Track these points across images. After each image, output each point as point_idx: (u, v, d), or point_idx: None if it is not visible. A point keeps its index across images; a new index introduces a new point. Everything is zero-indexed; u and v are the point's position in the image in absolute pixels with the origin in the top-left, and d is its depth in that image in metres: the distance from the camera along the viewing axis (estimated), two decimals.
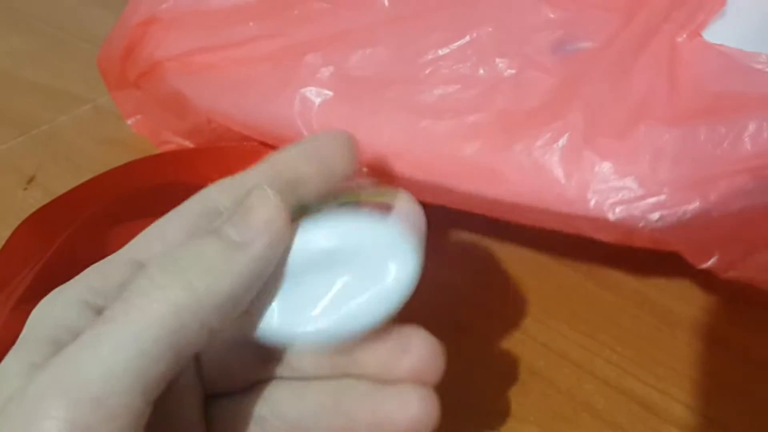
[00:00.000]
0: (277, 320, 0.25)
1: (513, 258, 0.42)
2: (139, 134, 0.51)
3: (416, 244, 0.25)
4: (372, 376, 0.26)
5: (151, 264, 0.23)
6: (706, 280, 0.40)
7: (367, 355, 0.26)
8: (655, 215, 0.32)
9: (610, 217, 0.33)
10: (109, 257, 0.26)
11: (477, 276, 0.41)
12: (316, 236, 0.25)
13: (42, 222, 0.38)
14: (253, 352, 0.27)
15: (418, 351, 0.26)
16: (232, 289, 0.23)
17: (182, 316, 0.22)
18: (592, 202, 0.33)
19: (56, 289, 0.25)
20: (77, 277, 0.25)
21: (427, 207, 0.30)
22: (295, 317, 0.25)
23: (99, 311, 0.23)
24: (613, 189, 0.33)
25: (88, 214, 0.38)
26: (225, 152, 0.45)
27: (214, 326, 0.23)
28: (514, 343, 0.38)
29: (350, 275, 0.25)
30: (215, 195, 0.27)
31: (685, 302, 0.40)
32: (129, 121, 0.51)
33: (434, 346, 0.26)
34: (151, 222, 0.27)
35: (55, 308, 0.24)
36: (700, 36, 0.35)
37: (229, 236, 0.23)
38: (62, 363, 0.21)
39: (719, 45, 0.35)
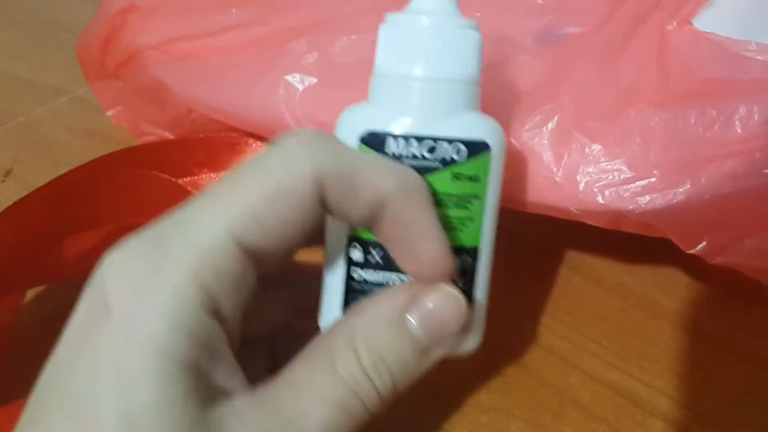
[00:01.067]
0: None
1: (497, 252, 0.42)
2: (119, 126, 0.50)
3: None
4: None
5: (360, 354, 0.25)
6: (691, 271, 0.40)
7: None
8: (645, 198, 0.32)
9: (600, 200, 0.33)
10: (196, 226, 0.23)
11: None
12: None
13: (19, 215, 0.38)
14: None
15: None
16: (415, 382, 0.26)
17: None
18: (582, 185, 0.33)
19: (143, 269, 0.22)
20: (170, 259, 0.23)
21: None
22: None
23: (215, 313, 0.23)
24: (603, 171, 0.33)
25: (52, 207, 0.38)
26: (205, 143, 0.44)
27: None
28: (499, 337, 0.37)
29: None
30: (324, 168, 0.24)
31: (670, 294, 0.39)
32: (109, 113, 0.50)
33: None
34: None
35: (174, 316, 0.22)
36: (690, 24, 0.35)
37: (420, 341, 0.25)
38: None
39: (709, 33, 0.34)
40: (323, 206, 0.25)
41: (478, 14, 0.36)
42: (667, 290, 0.40)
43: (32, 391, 0.22)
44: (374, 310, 0.26)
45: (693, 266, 0.39)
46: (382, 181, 0.25)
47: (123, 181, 0.40)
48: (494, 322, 0.38)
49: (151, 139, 0.48)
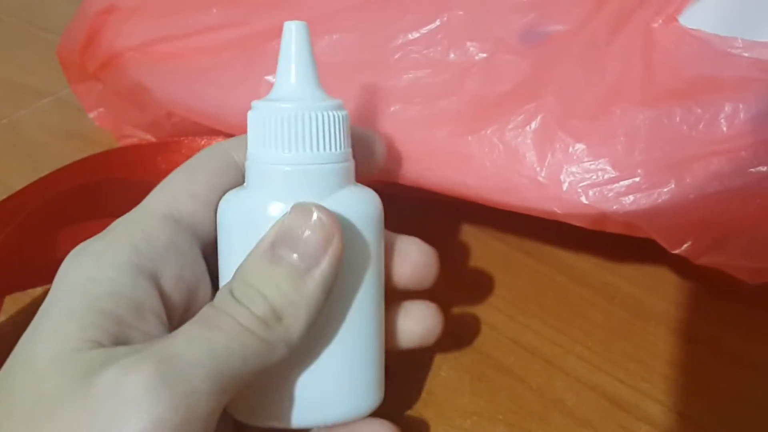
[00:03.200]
0: None
1: (482, 252, 0.42)
2: (102, 128, 0.50)
3: None
4: None
5: (233, 289, 0.25)
6: (677, 271, 0.40)
7: None
8: (629, 198, 0.32)
9: (584, 200, 0.32)
10: (136, 212, 0.28)
11: (445, 272, 0.40)
12: None
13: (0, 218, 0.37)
14: None
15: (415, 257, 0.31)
16: (309, 313, 0.26)
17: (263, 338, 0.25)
18: (566, 185, 0.32)
19: (91, 247, 0.26)
20: (113, 234, 0.26)
21: (394, 199, 0.30)
22: None
23: (150, 277, 0.26)
24: (587, 171, 0.32)
25: (30, 212, 0.37)
26: (185, 146, 0.43)
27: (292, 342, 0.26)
28: (483, 339, 0.37)
29: None
30: (229, 150, 0.30)
31: (656, 295, 0.39)
32: (91, 114, 0.50)
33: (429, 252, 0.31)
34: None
35: (104, 270, 0.25)
36: (676, 21, 0.34)
37: (294, 264, 0.25)
38: (168, 359, 0.22)
39: (695, 30, 0.34)
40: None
41: (461, 12, 0.36)
42: (654, 290, 0.39)
43: None
44: (250, 254, 0.26)
45: (680, 266, 0.39)
46: None
47: (105, 185, 0.39)
48: (476, 324, 0.37)
49: (133, 141, 0.47)
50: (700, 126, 0.32)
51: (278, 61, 0.28)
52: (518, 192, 0.33)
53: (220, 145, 0.30)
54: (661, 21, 0.34)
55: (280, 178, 0.27)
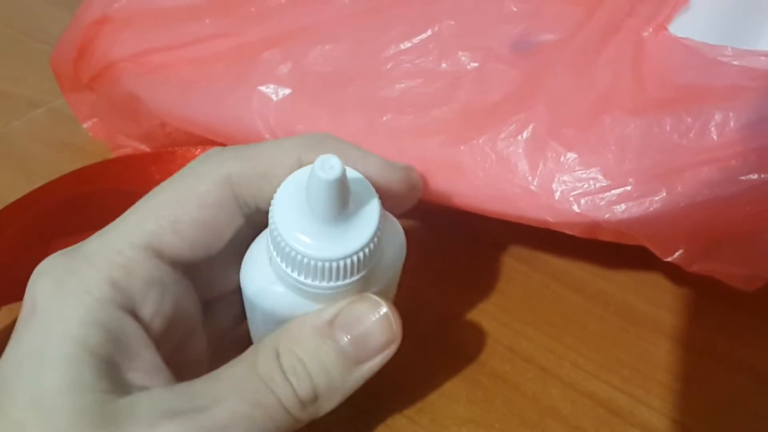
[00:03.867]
0: None
1: (475, 260, 0.42)
2: (96, 138, 0.50)
3: None
4: None
5: (281, 355, 0.25)
6: (671, 278, 0.40)
7: None
8: (621, 207, 0.32)
9: (575, 209, 0.32)
10: (113, 237, 0.26)
11: (439, 280, 0.40)
12: None
13: None
14: None
15: None
16: (342, 400, 0.26)
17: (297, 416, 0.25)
18: (557, 194, 0.33)
19: (69, 280, 0.25)
20: (87, 258, 0.25)
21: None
22: None
23: (133, 313, 0.25)
24: (578, 180, 0.32)
25: (24, 223, 0.37)
26: (179, 156, 0.44)
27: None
28: (478, 347, 0.37)
29: None
30: (235, 175, 0.27)
31: (650, 301, 0.39)
32: (85, 125, 0.50)
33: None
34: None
35: (90, 314, 0.24)
36: (666, 30, 0.35)
37: (344, 349, 0.25)
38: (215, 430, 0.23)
39: (685, 39, 0.34)
40: (243, 208, 0.28)
41: (452, 22, 0.36)
42: (648, 297, 0.39)
43: None
44: (301, 319, 0.26)
45: (674, 273, 0.39)
46: (289, 165, 0.27)
47: (98, 196, 0.39)
48: (470, 331, 0.38)
49: (127, 151, 0.47)
50: (691, 134, 0.32)
51: (308, 192, 0.25)
52: (511, 201, 0.34)
53: (216, 162, 0.28)
54: (651, 30, 0.35)
55: (304, 291, 0.26)
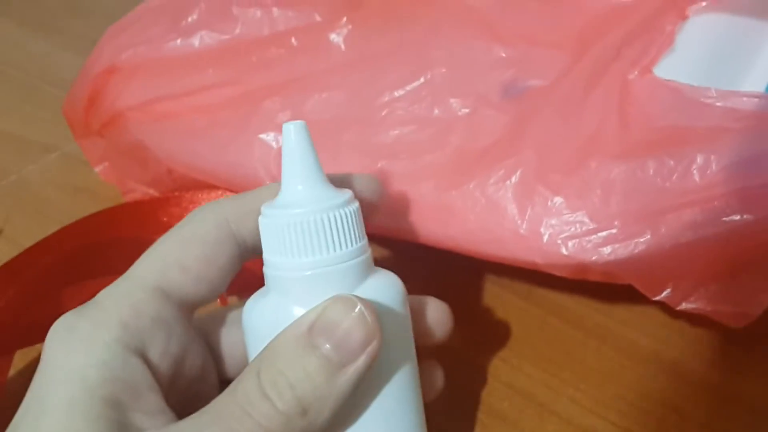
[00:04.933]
0: None
1: (474, 295, 0.42)
2: (107, 182, 0.51)
3: None
4: None
5: (261, 372, 0.24)
6: (667, 311, 0.40)
7: None
8: (607, 249, 0.33)
9: (563, 251, 0.33)
10: (124, 283, 0.27)
11: None
12: None
13: (9, 276, 0.38)
14: None
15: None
16: (334, 408, 0.25)
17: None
18: (546, 237, 0.33)
19: (79, 327, 0.26)
20: (98, 306, 0.26)
21: (385, 246, 0.30)
22: None
23: (139, 354, 0.26)
24: (566, 223, 0.33)
25: (38, 270, 0.38)
26: (187, 200, 0.45)
27: None
28: (476, 383, 0.38)
29: None
30: (224, 215, 0.29)
31: (648, 335, 0.39)
32: (96, 169, 0.51)
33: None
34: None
35: (96, 353, 0.25)
36: (651, 72, 0.35)
37: (325, 353, 0.24)
38: None
39: (669, 81, 0.35)
40: (241, 246, 0.29)
41: (444, 69, 0.37)
42: (646, 331, 0.39)
43: None
44: (281, 334, 0.25)
45: (670, 307, 0.40)
46: None
47: (109, 243, 0.41)
48: (469, 368, 0.38)
49: (137, 195, 0.49)
50: (674, 177, 0.32)
51: (282, 163, 0.27)
52: (501, 244, 0.34)
53: (214, 208, 0.29)
54: (636, 72, 0.35)
55: (302, 284, 0.26)
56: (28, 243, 0.40)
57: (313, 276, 0.26)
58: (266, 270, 0.28)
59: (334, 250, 0.26)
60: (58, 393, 0.24)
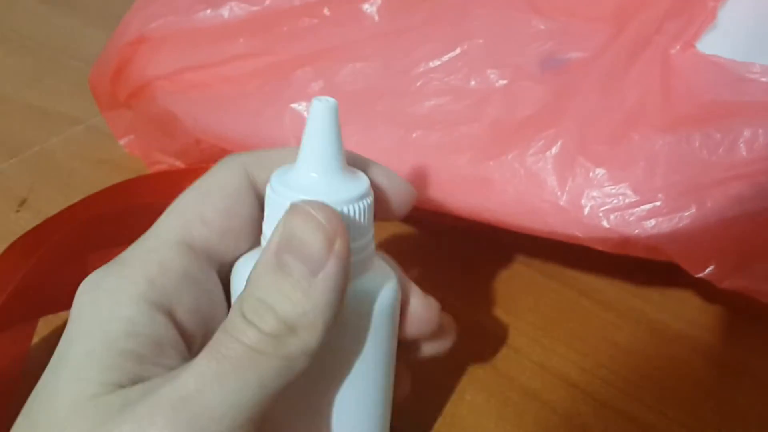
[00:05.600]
0: None
1: (506, 276, 0.42)
2: (132, 154, 0.51)
3: None
4: None
5: (243, 304, 0.24)
6: (702, 295, 0.40)
7: None
8: (651, 222, 0.32)
9: (605, 224, 0.32)
10: (149, 240, 0.27)
11: (470, 295, 0.40)
12: None
13: (32, 244, 0.38)
14: None
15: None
16: (325, 320, 0.24)
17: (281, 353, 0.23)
18: (587, 210, 0.33)
19: (105, 283, 0.25)
20: (124, 262, 0.26)
21: (418, 223, 0.29)
22: None
23: (166, 311, 0.25)
24: (608, 196, 0.33)
25: (62, 237, 0.38)
26: None
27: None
28: (509, 363, 0.37)
29: None
30: (245, 166, 0.28)
31: (682, 319, 0.39)
32: (121, 142, 0.51)
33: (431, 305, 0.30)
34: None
35: (120, 308, 0.24)
36: (693, 47, 0.35)
37: (300, 271, 0.23)
38: (181, 406, 0.22)
39: (712, 56, 0.34)
40: (260, 197, 0.28)
41: (481, 41, 0.37)
42: (680, 315, 0.39)
43: None
44: (254, 267, 0.24)
45: (705, 290, 0.39)
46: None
47: (134, 211, 0.40)
48: (501, 347, 0.38)
49: (162, 168, 0.48)
50: (720, 150, 0.32)
51: (303, 137, 0.26)
52: (540, 216, 0.34)
53: (235, 159, 0.28)
54: (678, 47, 0.35)
55: None
56: (52, 212, 0.39)
57: None
58: (262, 239, 0.27)
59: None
60: (78, 345, 0.24)
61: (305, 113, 0.39)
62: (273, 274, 0.24)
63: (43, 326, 0.38)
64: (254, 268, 0.24)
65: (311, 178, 0.25)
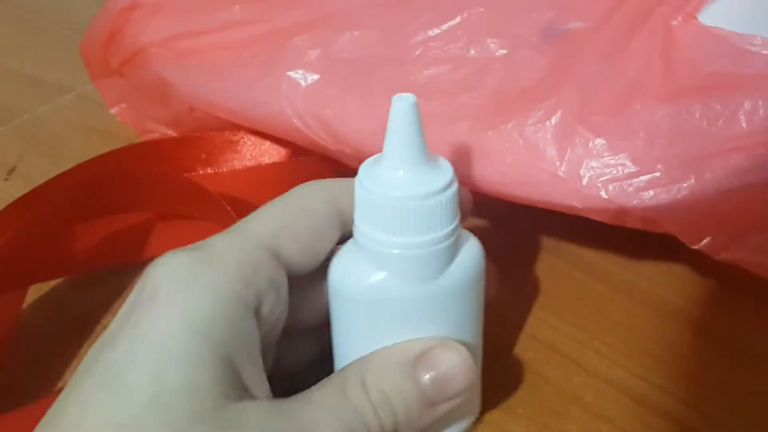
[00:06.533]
0: None
1: (500, 248, 0.41)
2: (123, 123, 0.50)
3: None
4: None
5: (367, 387, 0.26)
6: (696, 269, 0.40)
7: None
8: (649, 193, 0.32)
9: (603, 194, 0.32)
10: (239, 237, 0.26)
11: None
12: None
13: (21, 212, 0.38)
14: None
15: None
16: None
17: None
18: (585, 180, 0.33)
19: (200, 273, 0.25)
20: (215, 254, 0.25)
21: None
22: None
23: (256, 313, 0.25)
24: (607, 166, 0.32)
25: (50, 205, 0.38)
26: (207, 141, 0.44)
27: None
28: (502, 334, 0.37)
29: None
30: (338, 196, 0.29)
31: (676, 292, 0.39)
32: (113, 110, 0.50)
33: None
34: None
35: (221, 309, 0.24)
36: (695, 18, 0.35)
37: (427, 392, 0.27)
38: None
39: (714, 27, 0.34)
40: (345, 226, 0.29)
41: (481, 9, 0.36)
42: (673, 288, 0.39)
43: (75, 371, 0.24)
44: (386, 353, 0.27)
45: (699, 263, 0.39)
46: None
47: (128, 176, 0.40)
48: (497, 319, 0.37)
49: (155, 136, 0.48)
50: (720, 122, 0.32)
51: (386, 135, 0.26)
52: (538, 187, 0.34)
53: (323, 184, 0.29)
54: (680, 18, 0.35)
55: (388, 259, 0.27)
56: (41, 181, 0.39)
57: (400, 255, 0.26)
58: (354, 231, 0.28)
59: (423, 236, 0.26)
60: (180, 344, 0.23)
61: (302, 81, 0.38)
62: (404, 377, 0.27)
63: (32, 292, 0.38)
64: (387, 356, 0.27)
65: (397, 176, 0.26)
